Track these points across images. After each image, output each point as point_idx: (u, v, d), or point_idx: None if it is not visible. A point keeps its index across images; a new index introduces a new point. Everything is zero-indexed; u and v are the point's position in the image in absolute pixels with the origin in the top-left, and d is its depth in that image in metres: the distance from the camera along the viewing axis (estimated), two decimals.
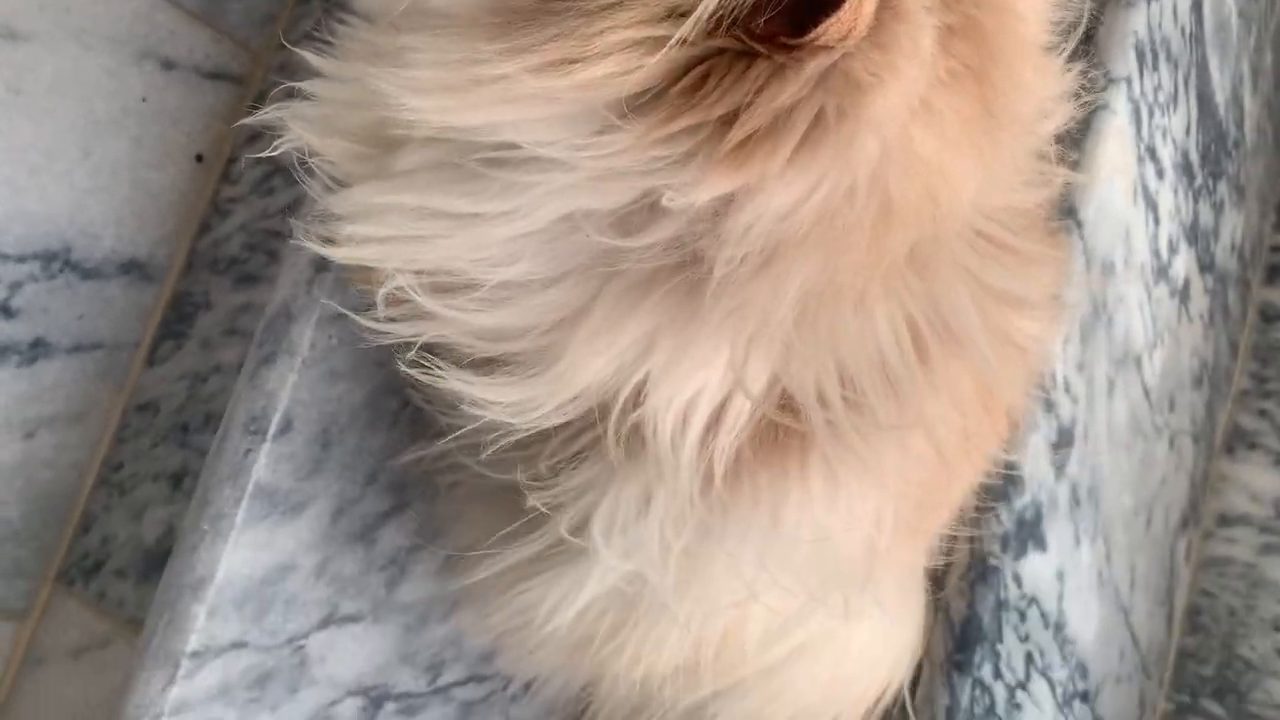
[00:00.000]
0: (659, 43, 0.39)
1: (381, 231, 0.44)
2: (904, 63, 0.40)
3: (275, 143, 0.49)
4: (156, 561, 0.71)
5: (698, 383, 0.46)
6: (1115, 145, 0.80)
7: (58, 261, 0.75)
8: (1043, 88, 0.49)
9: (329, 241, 0.45)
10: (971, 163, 0.45)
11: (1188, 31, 0.88)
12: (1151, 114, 0.84)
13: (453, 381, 0.46)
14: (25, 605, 0.76)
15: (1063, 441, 0.79)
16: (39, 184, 0.73)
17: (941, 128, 0.43)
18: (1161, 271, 0.91)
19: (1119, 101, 0.78)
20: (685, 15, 0.38)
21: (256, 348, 0.61)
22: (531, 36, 0.40)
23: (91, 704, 0.69)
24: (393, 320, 0.46)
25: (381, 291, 0.44)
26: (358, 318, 0.46)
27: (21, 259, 0.73)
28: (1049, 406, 0.78)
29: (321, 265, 0.61)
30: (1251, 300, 1.08)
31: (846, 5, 0.37)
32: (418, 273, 0.44)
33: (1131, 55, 0.79)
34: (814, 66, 0.39)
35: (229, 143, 0.81)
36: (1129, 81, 0.79)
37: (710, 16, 0.38)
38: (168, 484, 0.73)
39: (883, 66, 0.40)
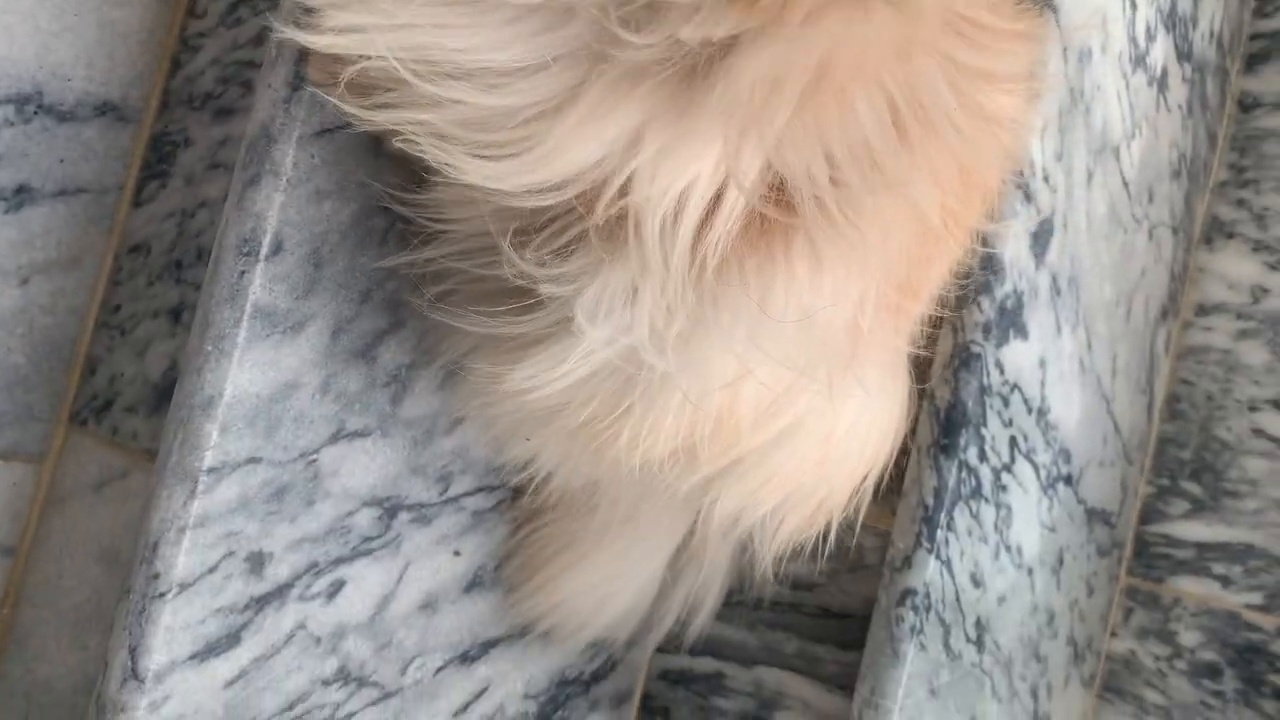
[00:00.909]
0: None
1: (366, 19, 0.44)
2: None
3: None
4: (164, 394, 0.73)
5: (690, 175, 0.47)
6: None
7: (31, 105, 0.74)
8: None
9: (311, 30, 0.45)
10: None
11: None
12: None
13: (431, 150, 0.46)
14: (43, 448, 0.78)
15: (1042, 231, 0.81)
16: (2, 25, 0.72)
17: None
18: (1139, 60, 0.91)
19: None
20: None
21: (240, 170, 0.62)
22: None
23: (117, 532, 0.72)
24: (379, 108, 0.46)
25: (346, 73, 0.45)
26: (342, 105, 0.46)
27: None
28: (1028, 196, 0.79)
29: (298, 84, 0.61)
30: (1230, 90, 1.08)
31: None
32: (403, 60, 0.44)
33: None
34: None
35: None
36: None
37: None
38: (167, 320, 0.74)
39: None
